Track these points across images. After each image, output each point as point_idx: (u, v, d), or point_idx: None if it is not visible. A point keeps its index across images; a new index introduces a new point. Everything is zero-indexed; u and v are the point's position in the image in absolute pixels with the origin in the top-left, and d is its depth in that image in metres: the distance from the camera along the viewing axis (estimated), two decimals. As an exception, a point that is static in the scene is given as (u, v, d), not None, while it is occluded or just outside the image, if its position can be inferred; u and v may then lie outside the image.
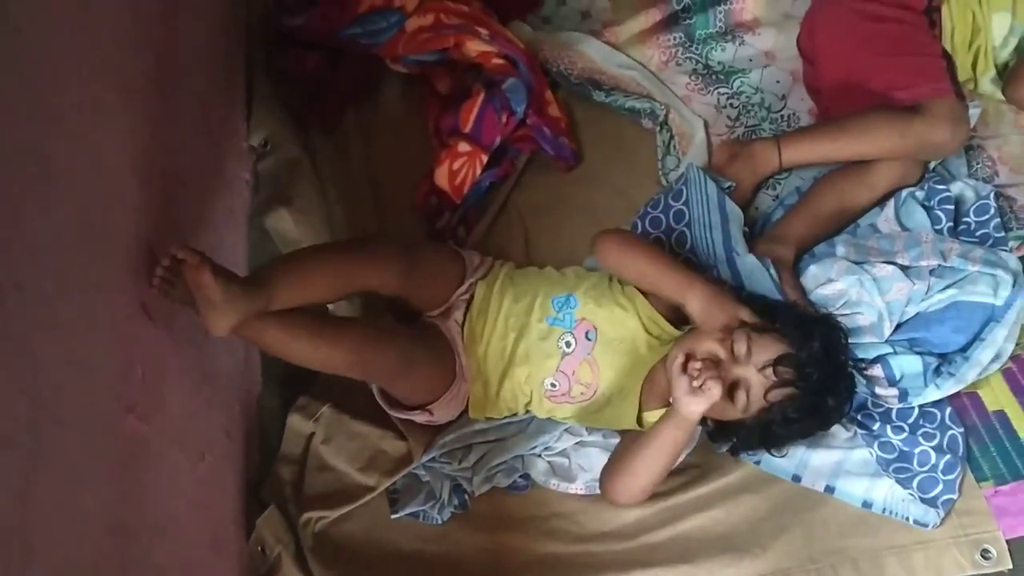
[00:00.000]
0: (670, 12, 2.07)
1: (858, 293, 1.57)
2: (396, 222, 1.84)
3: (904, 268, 1.59)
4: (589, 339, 1.49)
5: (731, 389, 1.38)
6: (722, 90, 2.00)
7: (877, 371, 1.53)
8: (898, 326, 1.57)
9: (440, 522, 1.50)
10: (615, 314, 1.50)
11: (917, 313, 1.58)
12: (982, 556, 1.44)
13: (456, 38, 1.87)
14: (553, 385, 1.49)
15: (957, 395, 1.58)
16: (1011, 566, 1.43)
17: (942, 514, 1.46)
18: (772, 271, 1.60)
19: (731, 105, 1.98)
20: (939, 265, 1.59)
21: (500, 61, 1.88)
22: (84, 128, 1.04)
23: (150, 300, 1.19)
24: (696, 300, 1.43)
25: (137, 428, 1.09)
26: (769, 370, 1.38)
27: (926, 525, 1.46)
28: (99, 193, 1.06)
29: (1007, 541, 1.45)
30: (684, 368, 1.35)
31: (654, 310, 1.50)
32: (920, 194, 1.72)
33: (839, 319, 1.55)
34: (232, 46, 1.90)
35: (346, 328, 1.43)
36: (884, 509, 1.49)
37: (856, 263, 1.59)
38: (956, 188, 1.74)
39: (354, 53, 1.95)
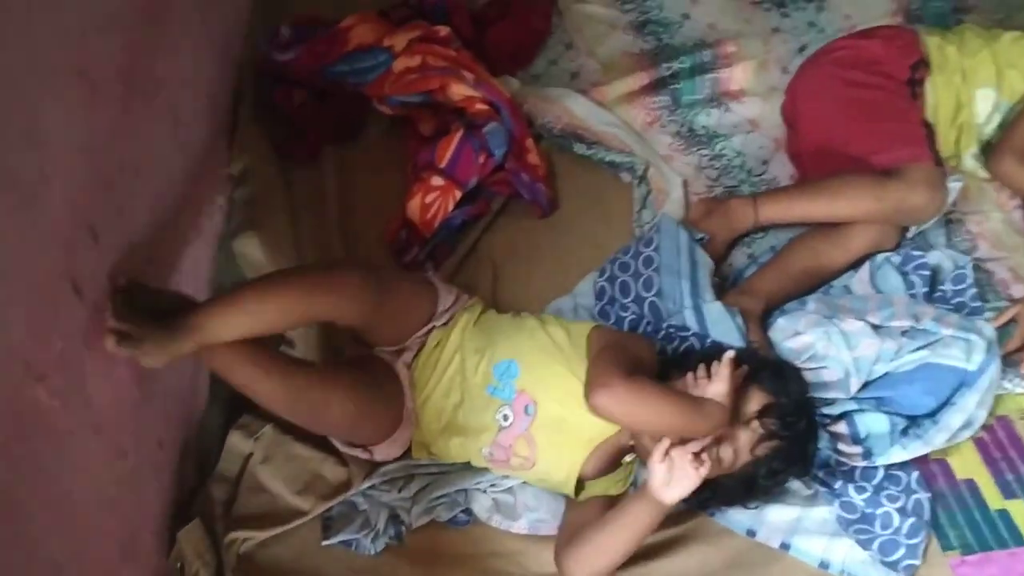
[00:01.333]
0: (658, 77, 2.09)
1: (825, 347, 1.52)
2: (365, 254, 1.82)
3: (875, 328, 1.55)
4: (528, 414, 1.39)
5: (714, 444, 1.31)
6: (704, 152, 2.00)
7: (842, 427, 1.48)
8: (866, 385, 1.52)
9: (373, 552, 1.42)
10: (559, 387, 1.38)
11: (886, 373, 1.52)
12: (944, 627, 1.35)
13: (442, 80, 1.89)
14: (491, 453, 1.42)
15: (925, 460, 1.52)
16: (976, 640, 1.34)
17: (904, 578, 1.38)
18: (739, 320, 1.55)
19: (712, 167, 1.98)
20: (911, 327, 1.55)
21: (483, 107, 1.89)
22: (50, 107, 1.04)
23: (84, 281, 1.15)
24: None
25: (44, 400, 1.04)
26: (755, 423, 1.33)
27: (887, 590, 1.38)
28: (39, 165, 1.04)
29: (972, 614, 1.36)
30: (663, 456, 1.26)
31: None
32: (896, 259, 1.70)
33: (804, 373, 1.50)
34: (221, 74, 1.92)
35: (311, 380, 1.34)
36: (842, 571, 1.41)
37: (826, 318, 1.55)
38: (934, 257, 1.71)
39: (341, 92, 1.97)
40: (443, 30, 1.96)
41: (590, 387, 1.28)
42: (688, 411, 1.29)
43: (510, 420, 1.39)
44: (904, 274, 1.68)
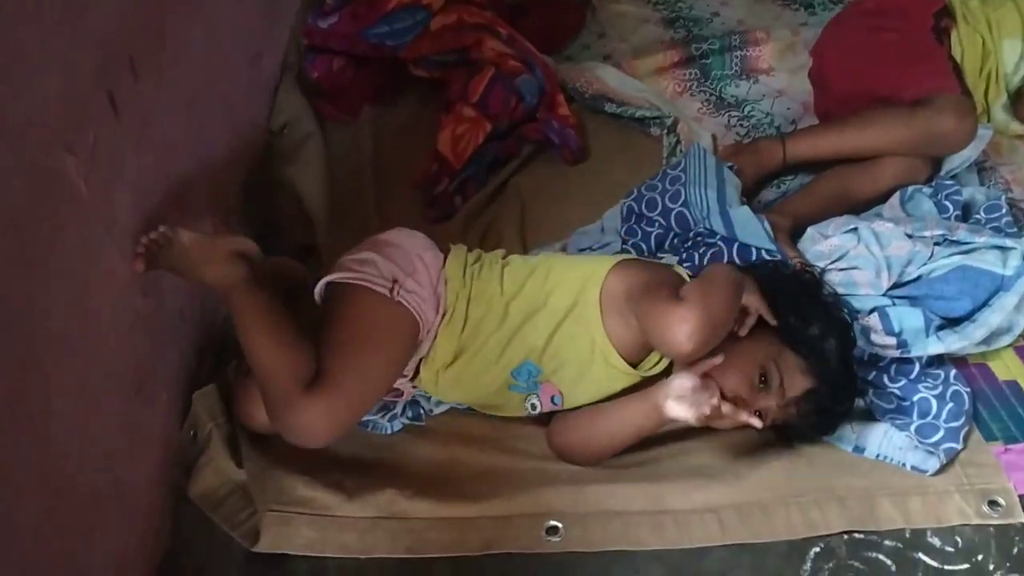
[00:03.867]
0: (688, 55, 2.15)
1: (855, 248, 1.50)
2: (394, 198, 1.84)
3: (908, 236, 1.52)
4: (555, 403, 1.35)
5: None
6: (733, 114, 2.03)
7: (874, 321, 1.42)
8: (899, 286, 1.48)
9: (390, 431, 1.38)
10: (582, 374, 1.33)
11: (919, 276, 1.49)
12: (990, 506, 1.26)
13: (476, 36, 1.96)
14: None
15: (965, 364, 1.46)
16: (1024, 519, 1.25)
17: (943, 460, 1.30)
18: (766, 224, 1.54)
19: (741, 125, 2.00)
20: (944, 238, 1.52)
21: (516, 64, 1.95)
22: None
23: (120, 101, 1.18)
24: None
25: (71, 173, 1.05)
26: (792, 407, 1.27)
27: (925, 471, 1.30)
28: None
29: (1020, 497, 1.27)
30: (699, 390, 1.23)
31: (619, 357, 1.31)
32: (928, 190, 1.68)
33: (834, 274, 1.48)
34: (267, 43, 2.00)
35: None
36: (878, 455, 1.33)
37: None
38: (967, 192, 1.69)
39: (379, 58, 2.05)
40: (479, -5, 2.05)
41: (666, 343, 1.19)
42: (733, 290, 1.24)
43: (538, 408, 1.36)
44: (936, 202, 1.66)
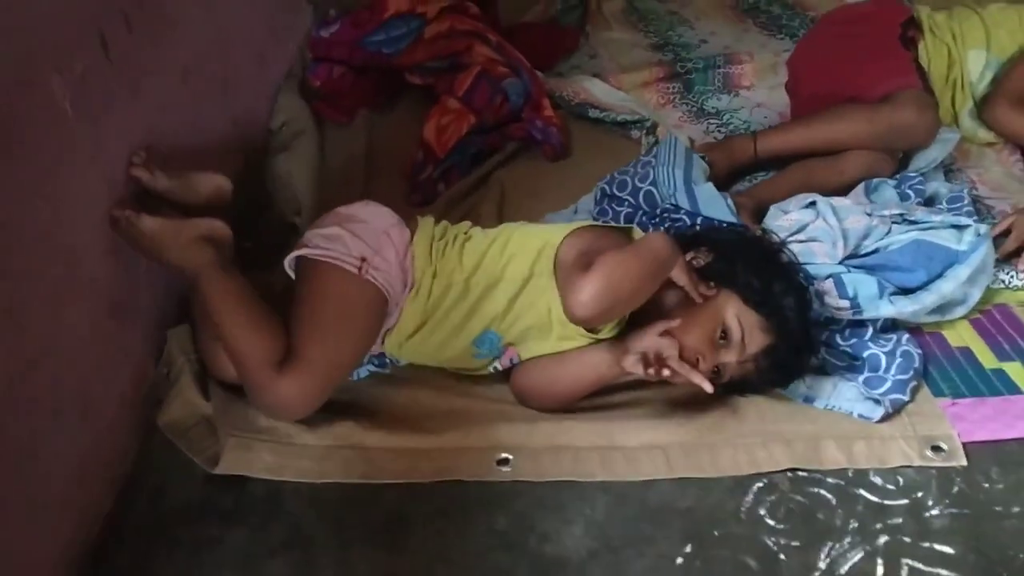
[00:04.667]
0: (673, 72, 2.25)
1: (814, 224, 1.55)
2: (380, 186, 1.92)
3: (866, 215, 1.57)
4: (514, 363, 1.40)
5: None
6: (712, 122, 2.11)
7: (829, 286, 1.47)
8: (855, 258, 1.53)
9: (356, 379, 1.43)
10: (542, 338, 1.37)
11: (876, 250, 1.54)
12: (933, 451, 1.28)
13: (467, 43, 2.07)
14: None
15: (919, 332, 1.49)
16: (965, 463, 1.27)
17: (890, 410, 1.33)
18: (729, 201, 1.60)
19: (719, 132, 2.08)
20: (902, 217, 1.58)
21: (504, 69, 2.05)
22: None
23: (111, 44, 1.28)
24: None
25: (57, 92, 1.14)
26: (750, 363, 1.31)
27: (871, 419, 1.33)
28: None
29: (963, 444, 1.29)
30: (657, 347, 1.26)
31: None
32: (892, 182, 1.74)
33: (792, 246, 1.52)
34: (270, 47, 2.12)
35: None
36: (826, 405, 1.36)
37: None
38: (931, 186, 1.75)
39: (375, 67, 2.16)
40: (472, 7, 2.16)
41: (565, 308, 1.23)
42: (650, 262, 1.25)
43: (499, 369, 1.41)
44: (900, 192, 1.71)
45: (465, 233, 1.45)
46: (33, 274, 1.09)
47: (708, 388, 1.25)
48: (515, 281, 1.36)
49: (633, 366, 1.27)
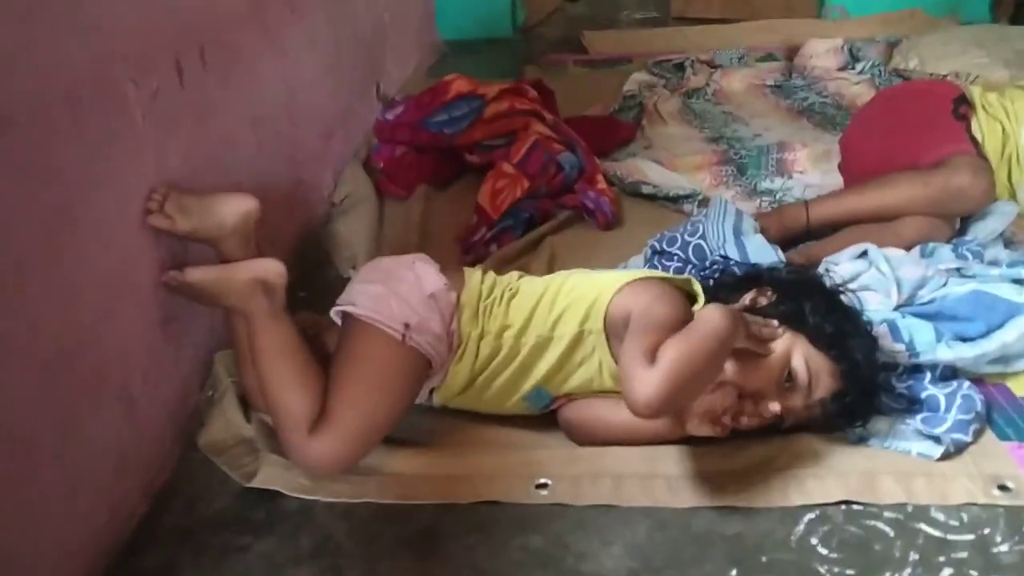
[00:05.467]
0: (727, 158, 2.29)
1: (867, 273, 1.53)
2: (435, 248, 1.94)
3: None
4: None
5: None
6: (765, 199, 2.12)
7: (883, 331, 1.43)
8: (910, 307, 1.49)
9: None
10: (593, 389, 1.35)
11: (932, 300, 1.50)
12: (999, 489, 1.21)
13: (524, 121, 2.14)
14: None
15: (982, 382, 1.43)
16: (1036, 501, 1.19)
17: (951, 449, 1.26)
18: (780, 252, 1.59)
19: (771, 207, 2.08)
20: (959, 271, 1.55)
21: (559, 146, 2.11)
22: None
23: (186, 73, 1.37)
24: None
25: (131, 97, 1.21)
26: (817, 408, 1.27)
27: (931, 457, 1.26)
28: None
29: (1032, 486, 1.21)
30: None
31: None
32: (948, 246, 1.71)
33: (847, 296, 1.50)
34: (338, 126, 2.23)
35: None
36: (883, 444, 1.30)
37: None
38: (989, 253, 1.72)
39: (436, 147, 2.24)
40: (530, 90, 2.25)
41: (629, 404, 1.13)
42: (714, 345, 1.17)
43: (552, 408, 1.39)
44: (957, 254, 1.68)
45: (511, 288, 1.41)
46: (86, 261, 1.12)
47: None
48: (565, 339, 1.32)
49: (698, 429, 1.23)
